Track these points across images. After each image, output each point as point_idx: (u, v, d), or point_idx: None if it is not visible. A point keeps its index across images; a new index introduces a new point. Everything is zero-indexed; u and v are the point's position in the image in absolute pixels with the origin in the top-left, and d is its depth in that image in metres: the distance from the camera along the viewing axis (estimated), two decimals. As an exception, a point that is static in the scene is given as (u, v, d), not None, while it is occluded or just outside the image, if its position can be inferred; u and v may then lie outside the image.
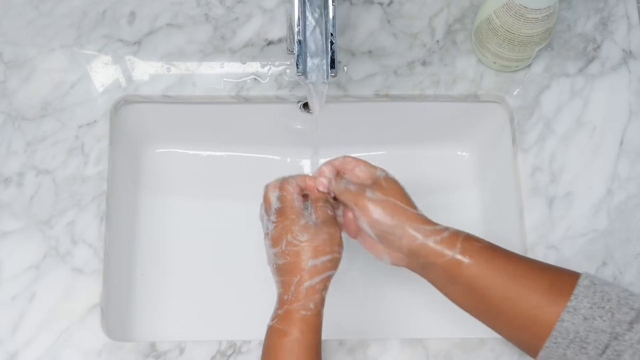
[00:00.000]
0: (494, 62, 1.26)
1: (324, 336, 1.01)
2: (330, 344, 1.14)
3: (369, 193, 1.03)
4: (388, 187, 1.06)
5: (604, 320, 0.91)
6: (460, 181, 1.42)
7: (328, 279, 1.01)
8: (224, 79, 1.28)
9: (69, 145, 1.23)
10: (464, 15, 1.32)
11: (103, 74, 1.27)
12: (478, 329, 1.25)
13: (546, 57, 1.30)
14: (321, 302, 1.00)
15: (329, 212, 1.05)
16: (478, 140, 1.40)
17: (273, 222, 1.04)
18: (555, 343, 0.93)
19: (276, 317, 1.00)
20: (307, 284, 0.99)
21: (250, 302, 1.31)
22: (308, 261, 1.00)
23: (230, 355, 1.14)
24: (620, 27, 1.32)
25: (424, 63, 1.30)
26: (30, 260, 1.17)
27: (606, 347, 0.90)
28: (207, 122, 1.36)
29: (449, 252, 0.99)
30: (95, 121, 1.24)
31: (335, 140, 1.35)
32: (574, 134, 1.26)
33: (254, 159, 1.41)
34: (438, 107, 1.33)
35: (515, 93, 1.28)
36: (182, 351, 1.14)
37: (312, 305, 0.99)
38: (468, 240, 1.00)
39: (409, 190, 1.40)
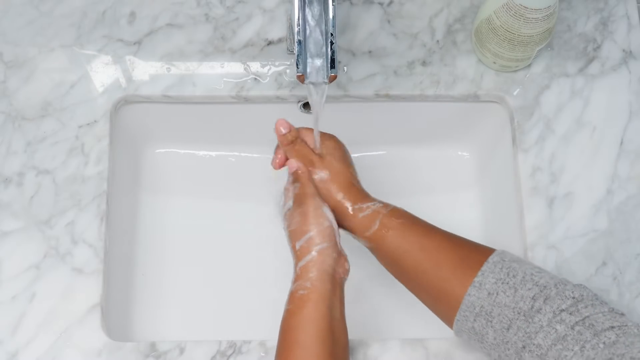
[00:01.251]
0: (494, 62, 1.26)
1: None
2: (331, 344, 1.14)
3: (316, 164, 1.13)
4: (333, 155, 1.14)
5: (507, 296, 0.96)
6: (460, 181, 1.42)
7: (321, 252, 1.04)
8: (224, 79, 1.28)
9: (69, 145, 1.23)
10: (464, 15, 1.32)
11: (103, 74, 1.27)
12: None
13: (546, 57, 1.30)
14: (321, 278, 1.03)
15: (296, 191, 1.11)
16: (478, 141, 1.40)
17: None
18: (464, 316, 0.99)
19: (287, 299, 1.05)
20: (300, 264, 1.04)
21: (250, 302, 1.32)
22: (296, 244, 1.06)
23: (230, 355, 1.14)
24: (620, 27, 1.32)
25: (424, 63, 1.30)
26: (30, 260, 1.17)
27: (511, 321, 0.94)
28: (208, 122, 1.36)
29: (368, 229, 1.07)
30: (95, 121, 1.24)
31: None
32: (574, 134, 1.26)
33: (254, 159, 1.41)
34: (438, 107, 1.33)
35: (515, 93, 1.28)
36: (182, 351, 1.14)
37: (308, 284, 1.02)
38: (388, 217, 1.08)
39: (409, 190, 1.40)
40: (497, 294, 0.96)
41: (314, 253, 1.04)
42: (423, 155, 1.43)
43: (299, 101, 1.30)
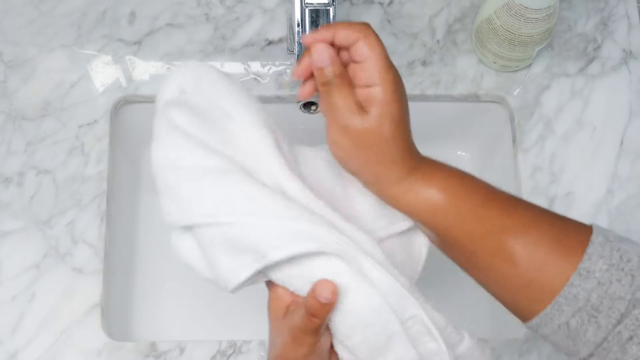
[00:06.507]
0: (494, 62, 1.26)
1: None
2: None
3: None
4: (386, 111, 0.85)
5: (623, 285, 0.77)
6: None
7: None
8: (224, 79, 1.28)
9: (69, 145, 1.23)
10: (465, 15, 1.32)
11: (103, 73, 1.27)
12: (479, 330, 1.24)
13: (546, 57, 1.30)
14: None
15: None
16: (478, 140, 1.40)
17: None
18: (558, 310, 0.79)
19: None
20: None
21: (250, 301, 1.31)
22: None
23: (231, 355, 1.14)
24: (620, 27, 1.32)
25: (424, 63, 1.29)
26: (31, 260, 1.17)
27: (622, 316, 0.77)
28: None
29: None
30: (95, 121, 1.24)
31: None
32: (574, 134, 1.26)
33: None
34: (438, 107, 1.33)
35: (515, 93, 1.28)
36: (182, 351, 1.14)
37: None
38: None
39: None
40: (611, 283, 0.77)
41: None
42: (423, 155, 1.42)
43: (298, 101, 1.30)
